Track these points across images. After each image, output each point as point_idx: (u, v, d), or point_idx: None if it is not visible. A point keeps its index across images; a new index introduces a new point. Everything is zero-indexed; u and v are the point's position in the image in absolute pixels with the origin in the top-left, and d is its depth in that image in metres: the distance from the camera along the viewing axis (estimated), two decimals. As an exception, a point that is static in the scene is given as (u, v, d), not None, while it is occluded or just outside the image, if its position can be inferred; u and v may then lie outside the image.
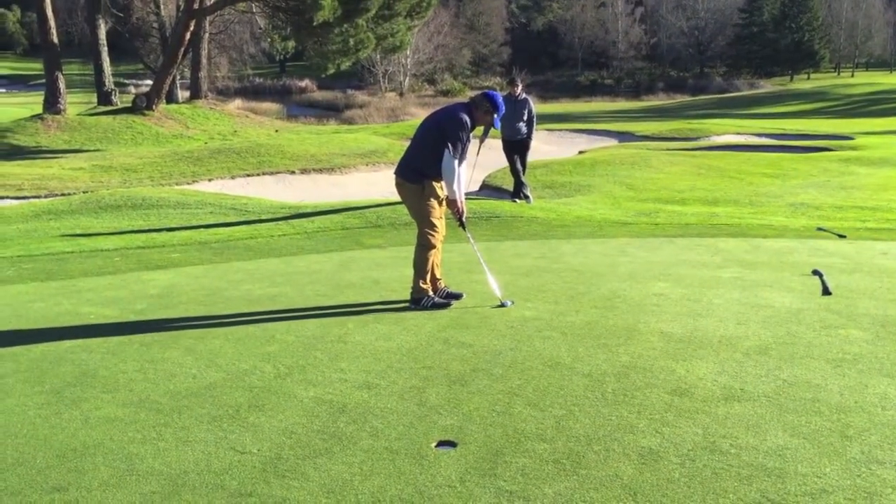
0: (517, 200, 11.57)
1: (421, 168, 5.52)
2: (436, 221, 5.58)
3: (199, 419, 3.73)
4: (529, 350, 4.68)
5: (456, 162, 5.44)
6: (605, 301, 5.78)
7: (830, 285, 6.13)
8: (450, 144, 5.40)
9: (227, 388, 4.12)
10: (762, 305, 5.63)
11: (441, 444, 3.47)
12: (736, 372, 4.28)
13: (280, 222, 10.61)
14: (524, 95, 11.35)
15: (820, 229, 9.43)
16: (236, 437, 3.53)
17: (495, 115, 5.55)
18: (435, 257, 5.67)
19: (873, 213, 11.18)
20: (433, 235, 5.57)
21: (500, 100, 5.61)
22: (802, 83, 73.32)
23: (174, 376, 4.31)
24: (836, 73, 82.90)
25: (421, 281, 5.60)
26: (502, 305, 5.62)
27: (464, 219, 5.69)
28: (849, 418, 3.66)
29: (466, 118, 5.47)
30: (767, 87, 71.64)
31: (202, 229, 10.05)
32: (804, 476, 3.12)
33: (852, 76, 78.42)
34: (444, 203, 5.68)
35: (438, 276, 5.80)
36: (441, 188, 5.64)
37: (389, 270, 7.01)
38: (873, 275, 6.67)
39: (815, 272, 6.61)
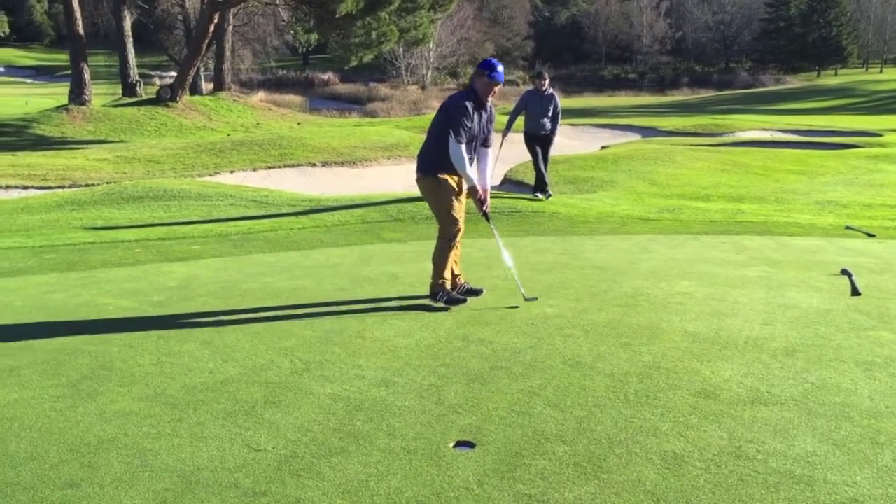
0: (538, 195, 11.45)
1: (434, 159, 5.43)
2: (455, 216, 5.48)
3: (214, 415, 3.69)
4: (550, 348, 4.60)
5: (463, 148, 5.31)
6: (627, 299, 5.68)
7: (860, 286, 5.97)
8: (452, 131, 5.28)
9: (243, 384, 4.08)
10: (789, 306, 5.50)
11: (459, 444, 3.40)
12: (762, 374, 4.17)
13: (300, 215, 10.58)
14: (551, 90, 11.15)
15: (848, 227, 9.24)
16: (251, 434, 3.48)
17: (490, 73, 5.33)
18: (454, 253, 5.60)
19: (903, 212, 10.94)
20: (452, 231, 5.48)
21: (493, 61, 5.43)
22: (829, 79, 72.27)
23: (190, 370, 4.28)
24: (864, 69, 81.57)
25: (439, 277, 5.53)
26: (528, 300, 5.53)
27: (486, 209, 5.57)
28: (880, 424, 3.54)
29: (466, 102, 5.34)
30: (794, 82, 70.70)
31: (223, 221, 10.04)
32: (834, 484, 3.02)
33: (881, 72, 77.11)
34: (462, 197, 5.58)
35: (457, 272, 5.72)
36: (458, 182, 5.53)
37: (409, 265, 6.95)
38: (904, 275, 6.50)
39: (844, 272, 6.46)
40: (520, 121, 11.32)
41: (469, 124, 5.33)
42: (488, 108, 5.53)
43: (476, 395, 3.91)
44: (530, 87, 12.31)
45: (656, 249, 7.73)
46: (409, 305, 5.57)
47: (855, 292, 5.87)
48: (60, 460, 3.27)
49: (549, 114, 11.08)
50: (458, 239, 5.53)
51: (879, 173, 15.97)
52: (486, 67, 5.34)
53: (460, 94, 5.46)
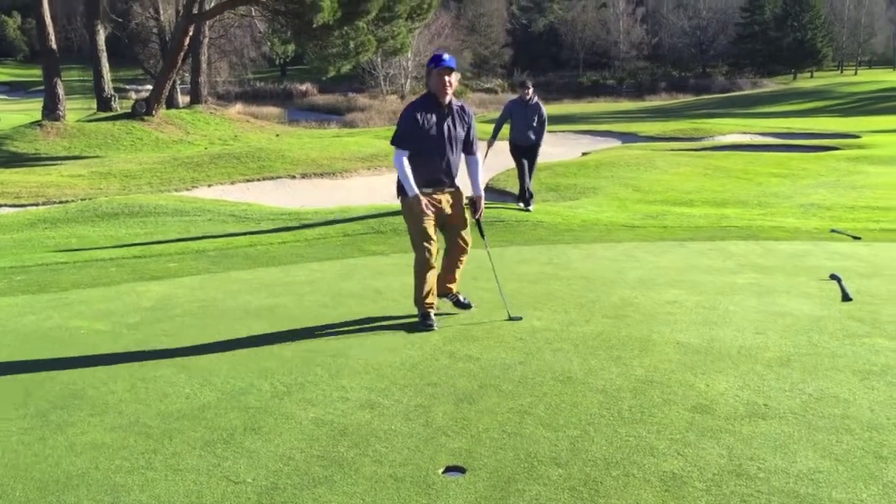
0: (521, 204, 11.30)
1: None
2: (425, 243, 5.08)
3: (191, 444, 3.51)
4: (540, 364, 4.46)
5: (403, 158, 4.96)
6: (616, 310, 5.56)
7: (850, 291, 5.90)
8: (394, 140, 5.02)
9: (221, 409, 3.90)
10: (781, 313, 5.40)
11: (449, 469, 3.25)
12: (758, 386, 4.05)
13: (280, 229, 10.39)
14: (535, 100, 10.90)
15: (834, 231, 9.20)
16: (230, 465, 3.31)
17: (434, 64, 4.92)
18: (432, 273, 5.24)
19: (886, 214, 10.94)
20: (422, 257, 5.12)
21: (436, 53, 5.15)
22: (806, 82, 73.03)
23: (166, 396, 4.09)
24: (839, 72, 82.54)
25: (415, 299, 5.28)
26: (512, 319, 5.32)
27: (479, 217, 5.30)
28: (882, 437, 3.43)
29: (416, 108, 4.98)
30: (770, 85, 71.35)
31: (200, 238, 9.84)
32: (839, 503, 2.90)
33: (855, 74, 78.10)
34: (457, 212, 5.20)
35: (454, 285, 5.47)
36: (438, 199, 5.12)
37: (391, 279, 6.79)
38: (894, 279, 6.43)
39: (833, 277, 6.39)
40: (505, 129, 11.12)
41: (415, 130, 4.93)
42: (454, 108, 5.04)
43: (465, 416, 3.76)
44: (513, 95, 12.16)
45: (642, 257, 7.63)
46: (392, 321, 5.41)
47: (846, 298, 5.79)
48: (27, 499, 3.08)
49: (535, 123, 10.86)
50: (431, 262, 5.15)
51: (860, 175, 16.03)
52: (429, 62, 5.00)
53: (415, 99, 5.16)
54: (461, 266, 5.42)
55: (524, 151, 11.07)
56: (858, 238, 8.64)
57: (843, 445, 3.35)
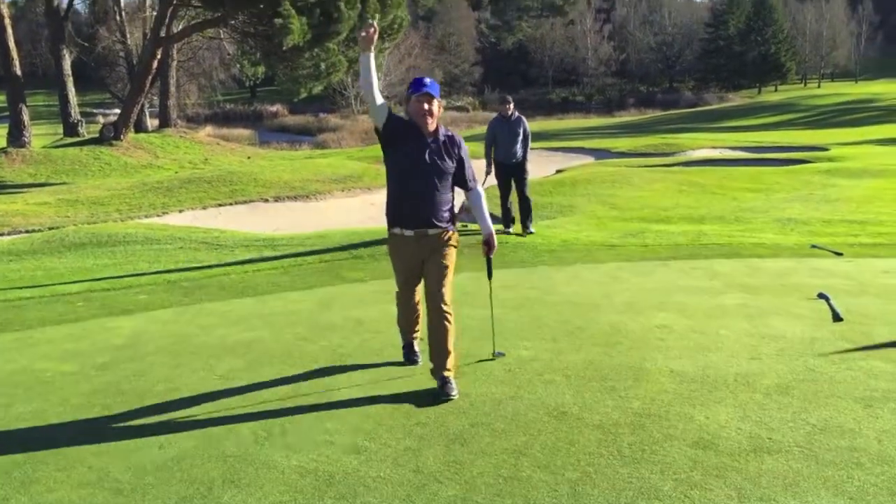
0: (510, 229, 10.72)
1: (387, 209, 4.58)
2: (399, 284, 4.68)
3: (165, 501, 3.27)
4: (532, 398, 4.28)
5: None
6: (605, 337, 5.40)
7: (840, 310, 5.80)
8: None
9: (197, 459, 3.66)
10: (773, 336, 5.28)
11: (444, 522, 3.05)
12: (759, 417, 3.91)
13: (254, 257, 10.13)
14: (517, 114, 10.61)
15: (814, 246, 9.15)
16: (209, 524, 3.08)
17: (412, 91, 4.34)
18: (410, 315, 4.82)
19: (863, 227, 10.95)
20: (402, 295, 4.72)
21: (418, 77, 4.47)
22: (770, 95, 74.20)
23: (138, 447, 3.84)
24: (802, 85, 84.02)
25: (400, 327, 4.98)
26: (496, 355, 5.00)
27: (490, 254, 4.69)
28: (894, 470, 3.29)
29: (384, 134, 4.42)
30: (736, 99, 72.43)
31: (172, 269, 9.55)
32: (859, 547, 2.75)
33: (819, 87, 79.55)
34: (425, 259, 4.47)
35: (416, 329, 4.96)
36: (419, 238, 4.43)
37: (372, 308, 6.58)
38: (882, 297, 6.36)
39: (821, 296, 6.29)
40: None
41: (398, 132, 4.37)
42: (441, 138, 4.39)
43: (458, 459, 3.56)
44: (487, 113, 11.87)
45: (627, 279, 7.50)
46: (375, 354, 5.21)
47: (836, 318, 5.69)
48: (-14, 571, 2.83)
49: (520, 138, 10.52)
50: (412, 304, 4.72)
51: (833, 188, 16.12)
52: (409, 87, 4.40)
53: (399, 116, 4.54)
54: (449, 341, 4.42)
55: (512, 171, 10.66)
56: (840, 254, 8.59)
57: (855, 482, 3.21)
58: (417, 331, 4.96)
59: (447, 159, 4.39)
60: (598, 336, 5.43)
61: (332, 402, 4.34)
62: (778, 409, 4.01)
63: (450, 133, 4.49)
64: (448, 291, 4.45)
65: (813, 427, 3.77)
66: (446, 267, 4.45)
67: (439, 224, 4.42)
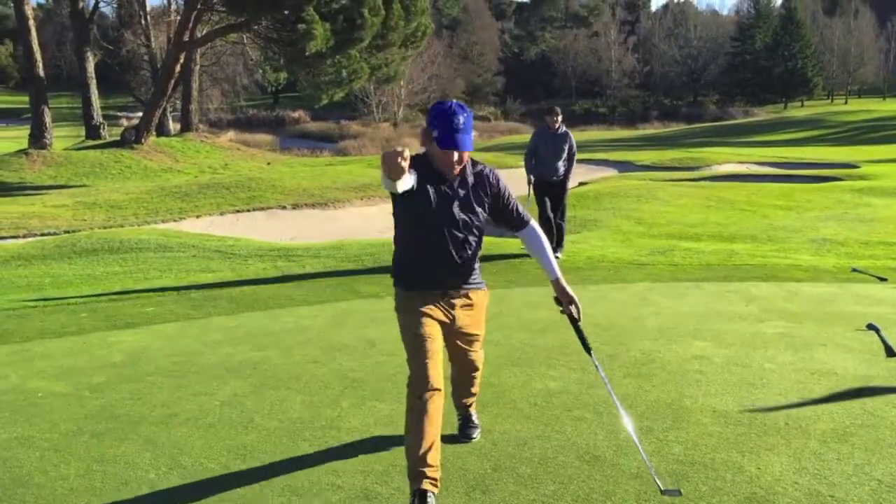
0: (559, 254, 9.68)
1: (395, 263, 3.62)
2: (416, 361, 3.30)
3: (149, 554, 2.91)
4: (560, 438, 3.88)
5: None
6: (638, 367, 4.99)
7: (893, 344, 5.34)
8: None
9: (188, 502, 3.29)
10: (822, 371, 4.84)
11: (463, 591, 2.66)
12: (818, 469, 3.48)
13: (268, 267, 9.80)
14: (564, 129, 9.54)
15: (855, 270, 8.67)
16: (195, 585, 2.71)
17: (438, 139, 3.22)
18: (428, 426, 3.19)
19: (904, 250, 10.44)
20: (413, 381, 3.28)
21: (440, 108, 3.27)
22: (797, 111, 73.24)
23: (125, 483, 3.48)
24: (829, 101, 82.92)
25: (408, 461, 3.20)
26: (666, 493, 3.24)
27: (575, 314, 3.59)
28: (979, 541, 2.86)
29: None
30: (762, 114, 71.54)
31: (183, 277, 9.24)
32: None
33: (846, 103, 78.40)
34: (450, 324, 3.49)
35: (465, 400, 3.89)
36: (444, 300, 3.46)
37: (386, 327, 6.18)
38: (938, 329, 5.88)
39: (871, 327, 5.82)
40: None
41: (408, 207, 3.32)
42: (468, 179, 3.37)
43: (478, 511, 3.17)
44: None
45: (658, 301, 7.07)
46: (387, 381, 4.82)
47: (890, 353, 5.22)
48: None
49: (564, 155, 9.63)
50: (433, 400, 3.22)
51: (867, 207, 15.57)
52: (431, 125, 3.25)
53: (415, 155, 3.24)
54: (476, 383, 3.81)
55: (550, 189, 9.69)
56: (885, 279, 8.11)
57: (936, 554, 2.78)
58: (436, 461, 3.20)
59: (477, 207, 3.39)
60: (629, 366, 5.02)
61: (340, 437, 3.97)
62: (837, 459, 3.58)
63: (479, 169, 3.43)
64: (479, 354, 3.72)
65: (879, 483, 3.34)
66: (477, 328, 3.63)
67: (469, 282, 3.52)
